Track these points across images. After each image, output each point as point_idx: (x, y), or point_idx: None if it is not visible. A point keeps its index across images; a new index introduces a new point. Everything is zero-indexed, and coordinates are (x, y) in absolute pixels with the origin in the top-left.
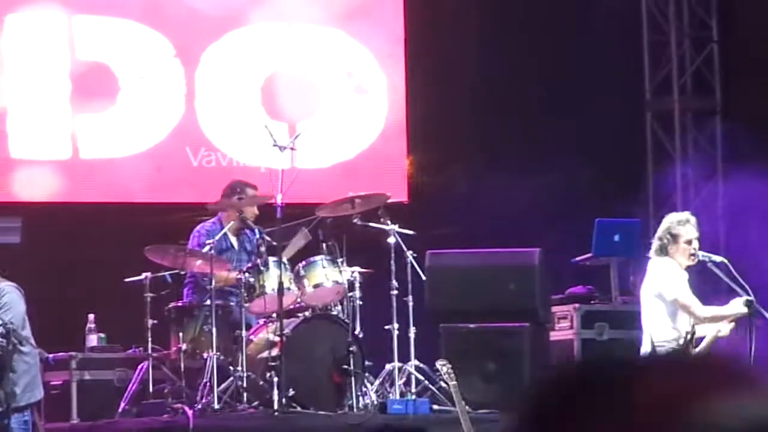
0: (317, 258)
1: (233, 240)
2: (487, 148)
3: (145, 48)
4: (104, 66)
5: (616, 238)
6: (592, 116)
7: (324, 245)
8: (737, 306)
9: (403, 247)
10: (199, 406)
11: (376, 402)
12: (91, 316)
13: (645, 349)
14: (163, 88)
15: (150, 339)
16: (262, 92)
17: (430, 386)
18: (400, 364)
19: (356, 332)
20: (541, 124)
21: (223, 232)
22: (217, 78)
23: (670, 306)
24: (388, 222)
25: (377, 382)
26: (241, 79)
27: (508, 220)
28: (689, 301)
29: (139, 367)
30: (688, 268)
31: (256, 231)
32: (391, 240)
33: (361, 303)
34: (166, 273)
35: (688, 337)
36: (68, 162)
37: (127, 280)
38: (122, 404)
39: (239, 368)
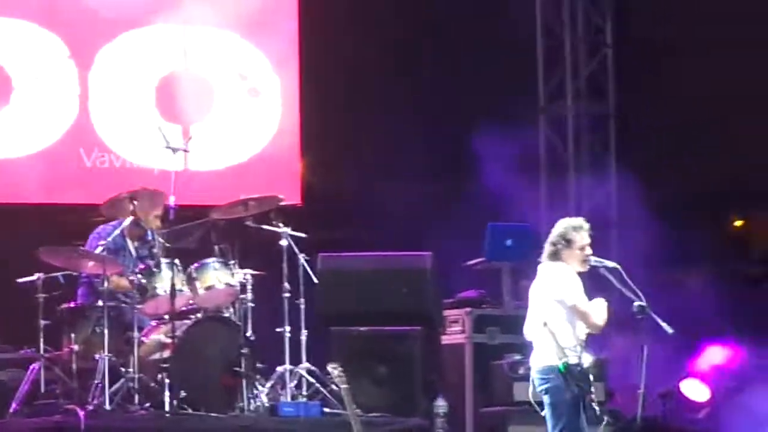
0: (209, 260)
1: (129, 243)
2: (381, 151)
3: (40, 48)
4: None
5: (509, 242)
6: (487, 120)
7: (216, 248)
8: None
9: (296, 250)
10: (91, 407)
11: (267, 404)
12: None
13: (545, 357)
14: (57, 89)
15: (42, 339)
16: (157, 93)
17: (322, 389)
18: (292, 367)
19: (248, 335)
20: (436, 127)
21: (116, 233)
22: (111, 79)
23: (569, 312)
24: (281, 225)
25: (269, 384)
26: (135, 80)
27: (401, 224)
28: (587, 309)
29: (31, 367)
30: (580, 274)
31: (150, 234)
32: (284, 243)
33: (253, 305)
34: (59, 273)
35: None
36: None
37: (19, 280)
38: (13, 405)
39: (131, 370)
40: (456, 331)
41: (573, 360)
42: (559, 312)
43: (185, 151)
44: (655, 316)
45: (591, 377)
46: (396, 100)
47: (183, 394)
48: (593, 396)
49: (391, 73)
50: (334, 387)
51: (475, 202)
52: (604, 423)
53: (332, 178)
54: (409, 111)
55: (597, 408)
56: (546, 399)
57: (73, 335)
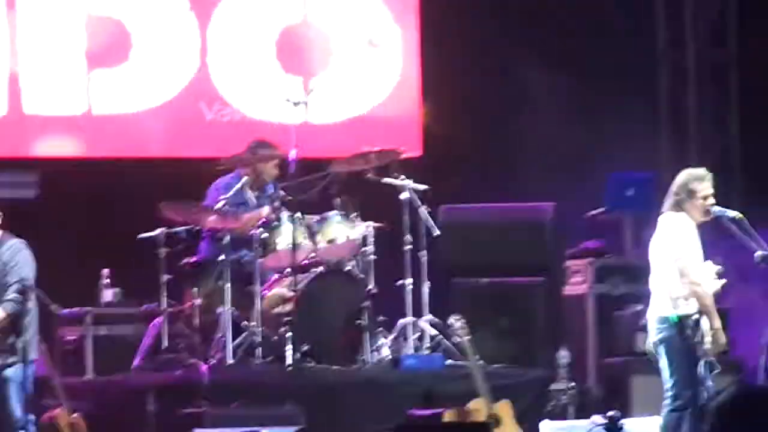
0: (331, 213)
1: (251, 195)
2: (503, 101)
3: (159, 3)
4: (118, 21)
5: (630, 192)
6: (607, 69)
7: (338, 200)
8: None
9: (417, 202)
10: (213, 361)
11: (389, 357)
12: (106, 272)
13: (661, 308)
14: (177, 43)
15: (165, 294)
16: (277, 46)
17: (444, 341)
18: (414, 319)
19: (370, 288)
20: (555, 77)
21: (238, 186)
22: (231, 32)
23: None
24: (402, 177)
25: (391, 337)
26: (255, 33)
27: (522, 174)
28: (688, 267)
29: (154, 322)
30: (702, 224)
31: (272, 186)
32: (405, 195)
33: (374, 258)
34: (181, 228)
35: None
36: (82, 117)
37: (141, 235)
38: (137, 359)
39: (253, 323)
40: (578, 282)
41: (686, 311)
42: (669, 264)
43: (305, 103)
44: None
45: (706, 327)
46: (514, 49)
47: (305, 347)
48: (708, 347)
49: (512, 20)
50: (456, 339)
51: (596, 152)
52: (716, 372)
53: (453, 127)
54: (526, 59)
55: (711, 359)
56: (661, 349)
57: (195, 290)
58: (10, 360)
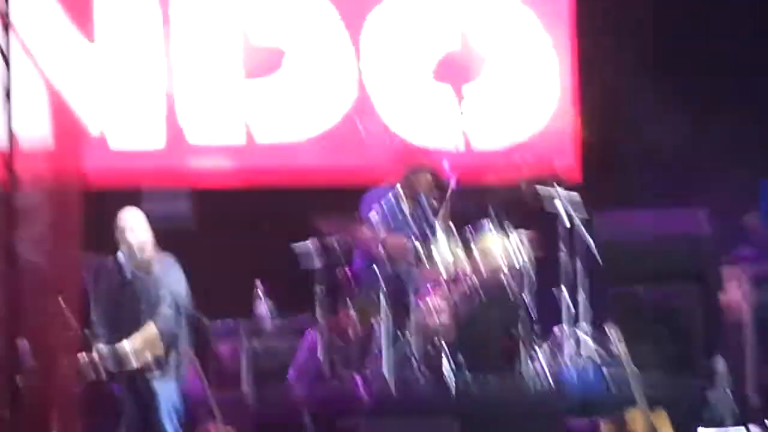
0: (485, 223)
1: (404, 207)
2: (656, 103)
3: (312, 21)
4: (278, 50)
5: None
6: (761, 68)
7: (492, 210)
8: None
9: (572, 211)
10: (369, 373)
11: (545, 365)
12: (260, 284)
13: None
14: (334, 67)
15: (319, 306)
16: (435, 71)
17: (600, 349)
18: (570, 328)
19: (525, 298)
20: (710, 76)
21: (395, 200)
22: (389, 57)
23: None
24: (557, 188)
25: (546, 346)
26: (415, 52)
27: (676, 179)
28: None
29: (309, 334)
30: None
31: (425, 198)
32: (560, 205)
33: (529, 267)
34: (336, 240)
35: None
36: (243, 147)
37: (295, 246)
38: (292, 372)
39: (408, 334)
40: (734, 289)
41: None
42: None
43: (465, 124)
44: None
45: None
46: (674, 50)
47: (461, 358)
48: None
49: (668, 34)
50: (612, 347)
51: (752, 153)
52: None
53: (608, 136)
54: (685, 63)
55: None
56: None
57: (349, 301)
58: (162, 374)
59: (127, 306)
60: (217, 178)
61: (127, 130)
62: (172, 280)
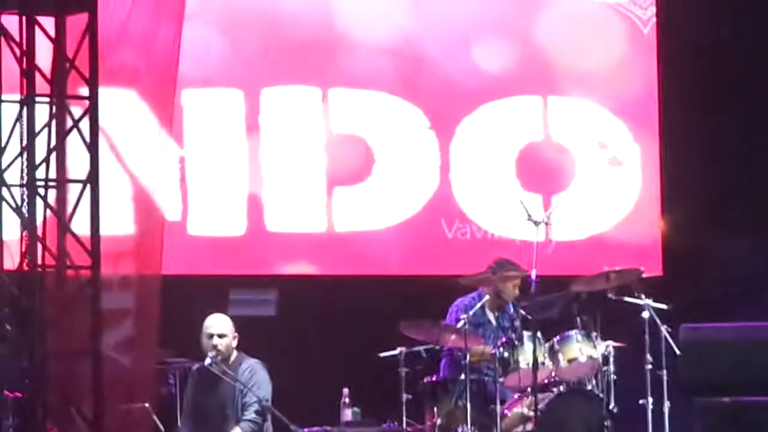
0: (572, 332)
1: (491, 316)
2: (747, 212)
3: (401, 121)
4: (360, 139)
5: None
6: None
7: (578, 319)
8: None
9: (657, 321)
10: None
11: None
12: (346, 391)
13: None
14: (418, 161)
15: (405, 413)
16: (517, 164)
17: None
18: None
19: (611, 407)
20: None
21: (479, 306)
22: (472, 150)
23: None
24: (642, 296)
25: None
26: (495, 151)
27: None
28: None
29: None
30: None
31: (512, 306)
32: (645, 314)
33: (615, 377)
34: (421, 348)
35: None
36: (323, 235)
37: (382, 354)
38: None
39: None
40: None
41: None
42: None
43: (547, 223)
44: None
45: None
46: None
47: None
48: None
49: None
50: None
51: None
52: None
53: (694, 244)
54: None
55: None
56: None
57: (435, 409)
58: None
59: (213, 410)
60: (298, 267)
61: (207, 215)
62: (258, 385)
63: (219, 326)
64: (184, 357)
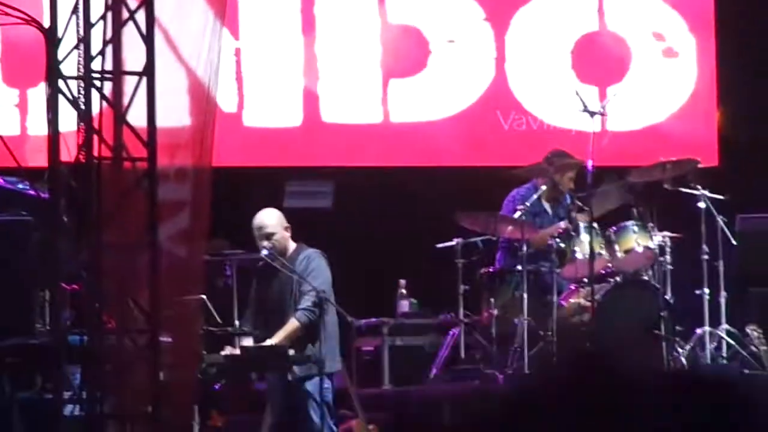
0: (628, 223)
1: (547, 206)
2: None
3: (456, 11)
4: (415, 29)
5: None
6: None
7: (635, 210)
8: None
9: (714, 211)
10: (510, 371)
11: (687, 366)
12: (403, 282)
13: None
14: (473, 52)
15: (462, 305)
16: (572, 55)
17: (741, 351)
18: (711, 329)
19: (667, 297)
20: None
21: (536, 197)
22: (527, 41)
23: None
24: (699, 187)
25: (688, 346)
26: (551, 42)
27: None
28: None
29: (451, 332)
30: None
31: (568, 197)
32: (702, 205)
33: (671, 268)
34: (478, 238)
35: None
36: (379, 126)
37: (438, 245)
38: (433, 370)
39: (550, 333)
40: None
41: None
42: None
43: (602, 114)
44: None
45: None
46: None
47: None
48: None
49: None
50: (753, 348)
51: None
52: None
53: (749, 136)
54: None
55: None
56: None
57: (492, 300)
58: (310, 373)
59: (274, 302)
60: (354, 158)
61: (263, 107)
62: (316, 275)
63: (263, 226)
64: (242, 249)
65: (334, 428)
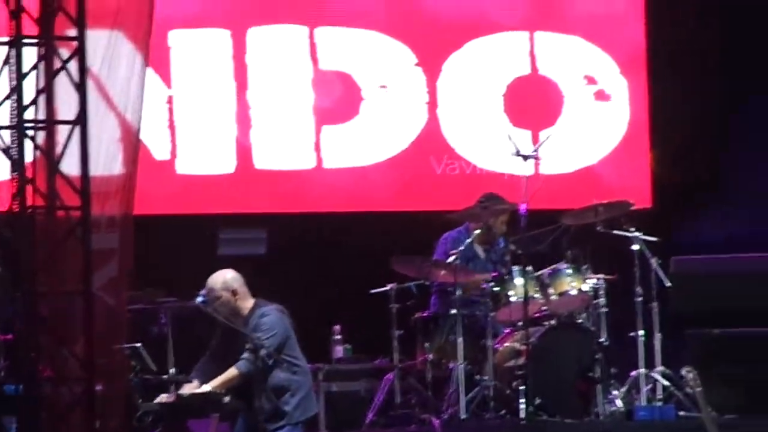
0: (562, 266)
1: (480, 249)
2: (736, 139)
3: (387, 57)
4: (347, 75)
5: None
6: None
7: (568, 253)
8: None
9: (648, 254)
10: (446, 416)
11: (622, 409)
12: (337, 327)
13: None
14: (406, 97)
15: (397, 349)
16: (504, 99)
17: (676, 392)
18: (646, 371)
19: (602, 340)
20: None
21: (468, 241)
22: (459, 86)
23: None
24: (632, 229)
25: (623, 389)
26: (483, 86)
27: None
28: None
29: (386, 377)
30: None
31: (501, 241)
32: (635, 247)
33: (606, 310)
34: (412, 283)
35: None
36: (312, 171)
37: (372, 291)
38: (369, 415)
39: (486, 377)
40: None
41: None
42: None
43: (535, 157)
44: None
45: None
46: (747, 93)
47: (538, 400)
48: None
49: (741, 66)
50: (688, 390)
51: None
52: None
53: (682, 175)
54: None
55: None
56: None
57: (427, 344)
58: (281, 424)
59: (225, 353)
60: (287, 204)
61: (196, 154)
62: (266, 330)
63: (208, 290)
64: (174, 296)
65: None
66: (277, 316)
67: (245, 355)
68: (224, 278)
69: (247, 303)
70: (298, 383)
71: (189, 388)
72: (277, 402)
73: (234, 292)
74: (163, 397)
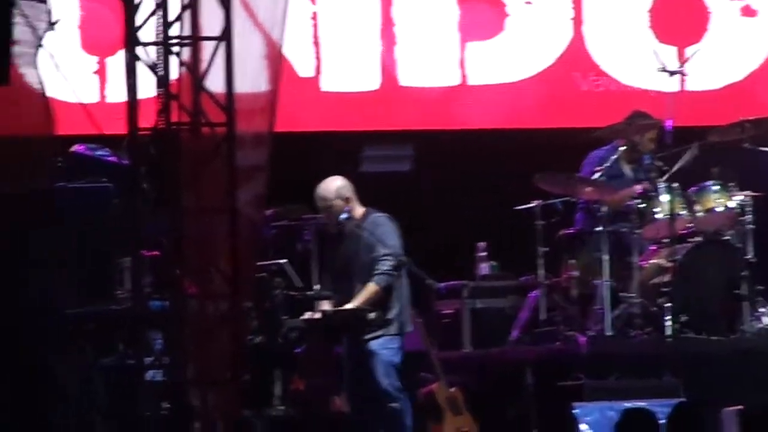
0: (709, 183)
1: (626, 167)
2: None
3: None
4: (502, 12)
5: None
6: None
7: (714, 170)
8: None
9: None
10: (591, 333)
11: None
12: (482, 245)
13: None
14: (550, 13)
15: (542, 266)
16: (650, 15)
17: None
18: None
19: (748, 257)
20: None
21: (614, 158)
22: (604, 1)
23: None
24: None
25: None
26: (628, 2)
27: None
28: None
29: (531, 294)
30: None
31: (647, 158)
32: None
33: (753, 227)
34: (557, 200)
35: None
36: (457, 88)
37: (517, 207)
38: (514, 332)
39: (631, 294)
40: None
41: None
42: None
43: (681, 73)
44: None
45: None
46: None
47: (683, 317)
48: None
49: None
50: None
51: None
52: None
53: None
54: None
55: None
56: None
57: (572, 261)
58: (379, 333)
59: (345, 266)
60: (432, 121)
61: (340, 71)
62: (387, 240)
63: (319, 198)
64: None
65: (395, 389)
66: (391, 225)
67: (383, 268)
68: (336, 186)
69: (359, 211)
70: (406, 295)
71: (328, 305)
72: (395, 311)
73: (347, 200)
74: (308, 314)
